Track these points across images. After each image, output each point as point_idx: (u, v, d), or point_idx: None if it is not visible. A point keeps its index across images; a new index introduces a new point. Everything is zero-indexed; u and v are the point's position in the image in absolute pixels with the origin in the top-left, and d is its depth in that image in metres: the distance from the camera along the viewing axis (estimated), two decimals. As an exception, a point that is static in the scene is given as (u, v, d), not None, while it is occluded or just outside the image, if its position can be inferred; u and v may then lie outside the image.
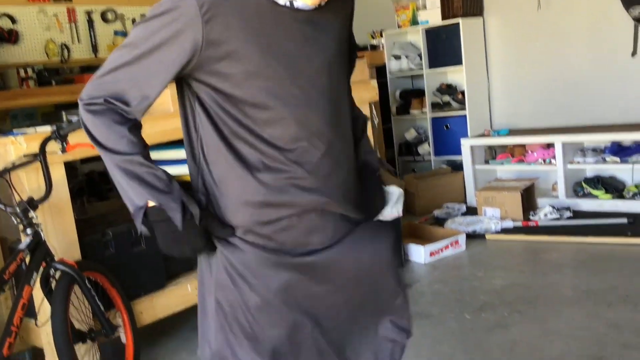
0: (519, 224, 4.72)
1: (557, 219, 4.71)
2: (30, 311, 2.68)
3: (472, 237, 4.60)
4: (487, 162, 5.57)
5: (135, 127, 1.37)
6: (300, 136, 1.38)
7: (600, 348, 2.77)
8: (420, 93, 6.27)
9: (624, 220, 4.44)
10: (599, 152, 4.97)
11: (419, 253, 4.24)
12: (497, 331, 3.07)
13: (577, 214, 4.78)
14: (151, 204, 1.36)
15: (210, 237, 1.41)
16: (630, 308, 3.15)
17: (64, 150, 2.59)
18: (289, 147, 1.38)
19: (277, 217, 1.40)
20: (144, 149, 1.37)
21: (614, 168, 4.94)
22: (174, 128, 2.89)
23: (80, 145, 2.63)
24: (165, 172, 1.39)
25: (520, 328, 3.08)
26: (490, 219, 4.78)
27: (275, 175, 1.38)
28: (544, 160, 5.15)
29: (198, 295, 1.55)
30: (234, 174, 1.38)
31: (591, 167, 5.05)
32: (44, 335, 2.81)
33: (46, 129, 2.83)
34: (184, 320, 3.50)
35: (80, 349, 2.71)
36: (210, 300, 1.48)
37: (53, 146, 2.63)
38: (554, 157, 5.05)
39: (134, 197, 1.37)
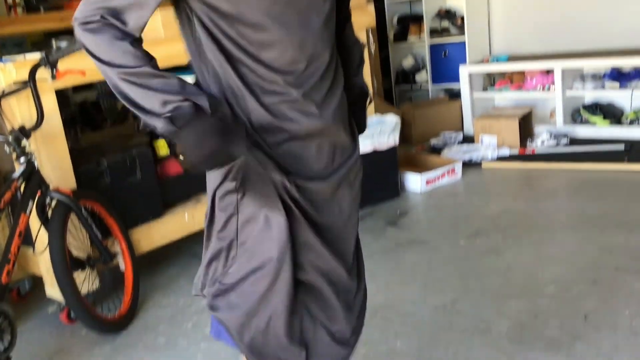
0: (516, 151, 4.71)
1: (554, 146, 4.70)
2: (28, 240, 2.70)
3: (468, 165, 4.60)
4: (485, 89, 5.51)
5: (136, 41, 1.31)
6: (298, 59, 1.35)
7: (594, 272, 2.81)
8: (418, 19, 6.13)
9: (621, 147, 4.44)
10: (598, 78, 4.91)
11: (415, 181, 4.24)
12: (491, 256, 3.11)
13: (575, 141, 4.77)
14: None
15: (230, 141, 1.31)
16: (625, 233, 3.18)
17: (54, 77, 2.54)
18: (286, 70, 1.35)
19: (275, 141, 1.38)
20: (151, 60, 1.31)
21: (613, 94, 4.89)
22: (166, 55, 2.82)
23: (70, 71, 2.58)
24: (179, 78, 1.31)
25: (514, 253, 3.11)
26: (487, 147, 4.77)
27: (273, 98, 1.36)
28: (543, 87, 5.10)
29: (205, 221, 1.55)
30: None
31: (590, 94, 5.00)
32: (42, 263, 2.84)
33: (35, 56, 2.77)
34: (183, 248, 3.54)
35: (79, 276, 2.75)
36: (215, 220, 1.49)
37: (43, 73, 2.58)
38: (552, 84, 5.00)
39: (150, 106, 1.28)
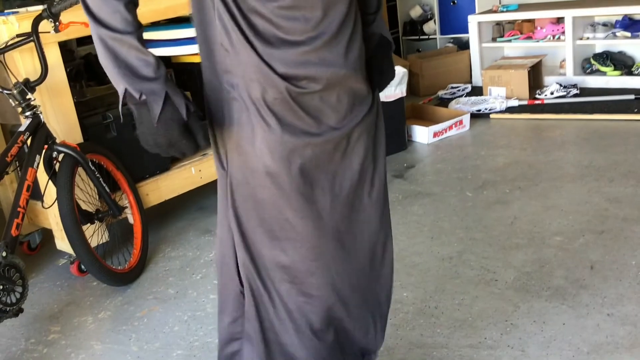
0: (525, 102, 4.66)
1: (564, 96, 4.64)
2: (38, 193, 2.72)
3: (476, 116, 4.56)
4: (494, 39, 5.42)
5: (131, 3, 1.31)
6: (317, 7, 1.33)
7: (601, 222, 2.81)
8: (426, -33, 6.02)
9: (631, 97, 4.38)
10: (609, 26, 4.82)
11: (422, 134, 4.22)
12: (498, 207, 3.11)
13: (584, 92, 4.70)
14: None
15: (190, 135, 1.36)
16: (632, 183, 3.16)
17: (57, 30, 2.52)
18: (305, 19, 1.33)
19: (296, 91, 1.37)
20: (138, 29, 1.32)
21: (624, 43, 4.80)
22: (177, 4, 2.78)
23: (73, 23, 2.55)
24: (155, 57, 1.34)
25: (521, 204, 3.11)
26: (496, 99, 4.72)
27: (292, 49, 1.34)
28: (553, 37, 5.01)
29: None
30: (249, 50, 1.34)
31: (601, 43, 4.91)
32: (51, 217, 2.86)
33: (38, 8, 2.74)
34: (190, 202, 3.55)
35: (88, 229, 2.77)
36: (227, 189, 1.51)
37: (46, 26, 2.55)
38: (563, 33, 4.91)
39: (118, 80, 1.32)
